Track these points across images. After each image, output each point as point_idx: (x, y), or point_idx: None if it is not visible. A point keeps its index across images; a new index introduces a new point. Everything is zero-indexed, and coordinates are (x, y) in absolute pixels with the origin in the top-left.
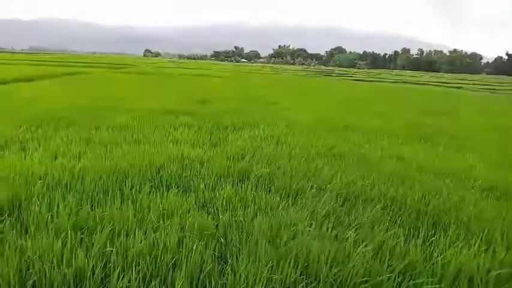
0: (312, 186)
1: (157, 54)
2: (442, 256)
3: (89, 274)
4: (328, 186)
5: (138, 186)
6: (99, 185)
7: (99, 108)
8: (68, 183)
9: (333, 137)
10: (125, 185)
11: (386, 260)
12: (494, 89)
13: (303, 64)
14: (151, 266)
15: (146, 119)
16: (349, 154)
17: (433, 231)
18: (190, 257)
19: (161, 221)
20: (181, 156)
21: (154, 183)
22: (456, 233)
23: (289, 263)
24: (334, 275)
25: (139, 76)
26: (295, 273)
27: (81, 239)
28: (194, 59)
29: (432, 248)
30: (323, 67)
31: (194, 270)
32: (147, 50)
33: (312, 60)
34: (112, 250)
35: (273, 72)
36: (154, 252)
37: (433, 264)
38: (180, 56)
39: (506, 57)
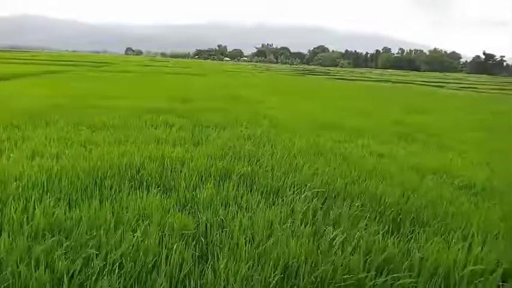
0: (292, 184)
1: (139, 53)
2: (420, 252)
3: (67, 277)
4: (309, 184)
5: (117, 187)
6: (77, 186)
7: (79, 107)
8: (45, 184)
9: (315, 135)
10: (104, 185)
11: (365, 256)
12: (475, 88)
13: (286, 63)
14: (131, 267)
15: (127, 118)
16: (330, 152)
17: (412, 227)
18: (171, 257)
19: (141, 221)
20: (162, 155)
21: (134, 183)
22: (434, 229)
23: (269, 261)
24: (314, 272)
25: (121, 75)
26: (275, 271)
27: (58, 240)
28: (177, 57)
29: (410, 244)
30: (306, 66)
31: (174, 270)
32: (128, 48)
33: (295, 59)
34: (91, 252)
35: (256, 70)
36: (134, 253)
37: (411, 260)
38: (163, 54)
39: (483, 57)
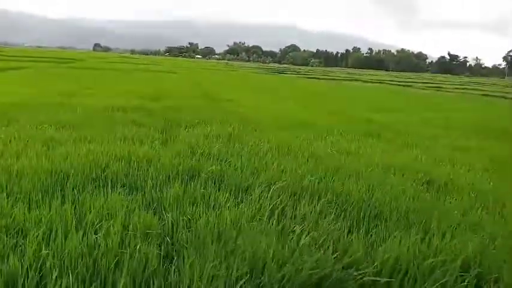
0: (261, 182)
1: (108, 49)
2: (382, 246)
3: (22, 279)
4: (277, 182)
5: (80, 186)
6: (38, 186)
7: (43, 104)
8: (4, 184)
9: (285, 133)
10: (66, 185)
11: (330, 252)
12: (440, 87)
13: (258, 61)
14: (91, 268)
15: (93, 116)
16: (299, 150)
17: (375, 222)
18: (134, 257)
19: (104, 222)
20: (129, 154)
21: (99, 183)
22: (396, 224)
23: (235, 259)
24: (281, 269)
25: (88, 71)
26: (242, 269)
27: (16, 242)
28: (147, 54)
29: (373, 239)
30: (278, 65)
31: (137, 270)
32: (97, 45)
33: (267, 57)
34: (48, 253)
35: (228, 68)
36: (95, 254)
37: (373, 254)
38: (133, 51)
39: (448, 57)
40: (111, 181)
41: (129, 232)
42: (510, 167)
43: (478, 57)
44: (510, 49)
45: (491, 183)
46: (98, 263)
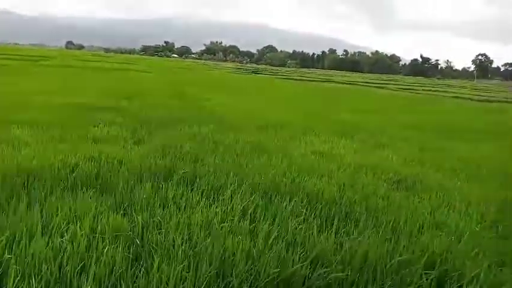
0: (234, 182)
1: (80, 47)
2: (350, 245)
3: None
4: (250, 182)
5: (48, 188)
6: (2, 188)
7: (10, 103)
8: None
9: (261, 134)
10: (33, 187)
11: (299, 251)
12: (412, 89)
13: (234, 61)
14: (56, 272)
15: (63, 115)
16: (274, 150)
17: (345, 222)
18: (100, 260)
19: (71, 225)
20: (99, 155)
21: (68, 185)
22: (366, 223)
23: (205, 260)
24: (250, 269)
25: (60, 69)
26: (210, 271)
27: None
28: (122, 52)
29: (343, 238)
30: (255, 65)
31: (104, 273)
32: (69, 42)
33: (244, 57)
34: (11, 258)
35: (205, 68)
36: (60, 258)
37: (342, 253)
38: (106, 50)
39: (420, 60)
40: (80, 182)
41: (97, 235)
42: (476, 166)
43: (449, 60)
44: (479, 52)
45: (459, 183)
46: (63, 267)
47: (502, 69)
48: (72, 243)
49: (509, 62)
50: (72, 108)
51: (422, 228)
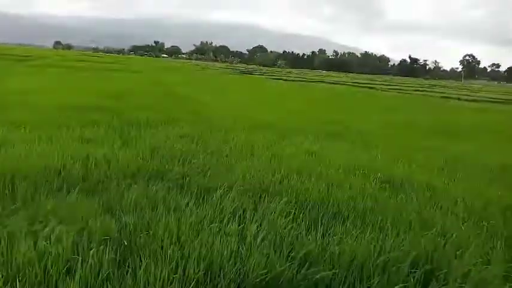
0: (223, 183)
1: (69, 47)
2: (339, 245)
3: None
4: (240, 182)
5: (33, 190)
6: None
7: None
8: None
9: (250, 134)
10: (18, 189)
11: (287, 251)
12: (401, 89)
13: (225, 61)
14: (40, 275)
15: (50, 115)
16: (263, 151)
17: (333, 221)
18: (87, 262)
19: (57, 227)
20: (87, 155)
21: (54, 186)
22: (353, 222)
23: (193, 261)
24: (238, 269)
25: (48, 69)
26: (198, 272)
27: None
28: (111, 52)
29: (330, 238)
30: (246, 65)
31: (90, 276)
32: (57, 42)
33: (234, 58)
34: None
35: (195, 68)
36: (45, 260)
37: (330, 253)
38: (95, 49)
39: (409, 60)
40: (67, 184)
41: (84, 237)
42: (463, 164)
43: (437, 61)
44: (466, 53)
45: (445, 181)
46: (48, 270)
47: (489, 69)
48: (58, 246)
49: (496, 62)
50: (60, 109)
51: (409, 227)
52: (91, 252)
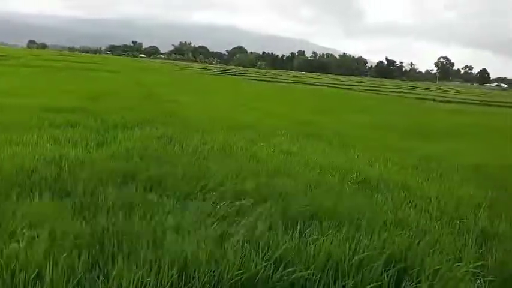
0: (202, 185)
1: (44, 46)
2: (314, 245)
3: None
4: (217, 182)
5: (3, 193)
6: None
7: None
8: None
9: (228, 135)
10: None
11: (262, 252)
12: (378, 90)
13: (205, 62)
14: (8, 279)
15: (23, 116)
16: (241, 152)
17: (310, 222)
18: (57, 266)
19: (27, 231)
20: (60, 157)
21: (25, 189)
22: (329, 223)
23: (168, 264)
24: (213, 271)
25: (20, 69)
26: (172, 274)
27: None
28: (87, 52)
29: (306, 239)
30: (226, 66)
31: (61, 280)
32: (31, 41)
33: (214, 58)
34: None
35: (174, 68)
36: (13, 265)
37: (306, 253)
38: (71, 49)
39: (386, 62)
40: (39, 186)
41: (56, 241)
42: (437, 164)
43: (413, 63)
44: (441, 55)
45: (420, 180)
46: (15, 277)
47: (462, 71)
48: (27, 251)
49: (469, 65)
50: (33, 110)
51: (384, 227)
52: (62, 256)
